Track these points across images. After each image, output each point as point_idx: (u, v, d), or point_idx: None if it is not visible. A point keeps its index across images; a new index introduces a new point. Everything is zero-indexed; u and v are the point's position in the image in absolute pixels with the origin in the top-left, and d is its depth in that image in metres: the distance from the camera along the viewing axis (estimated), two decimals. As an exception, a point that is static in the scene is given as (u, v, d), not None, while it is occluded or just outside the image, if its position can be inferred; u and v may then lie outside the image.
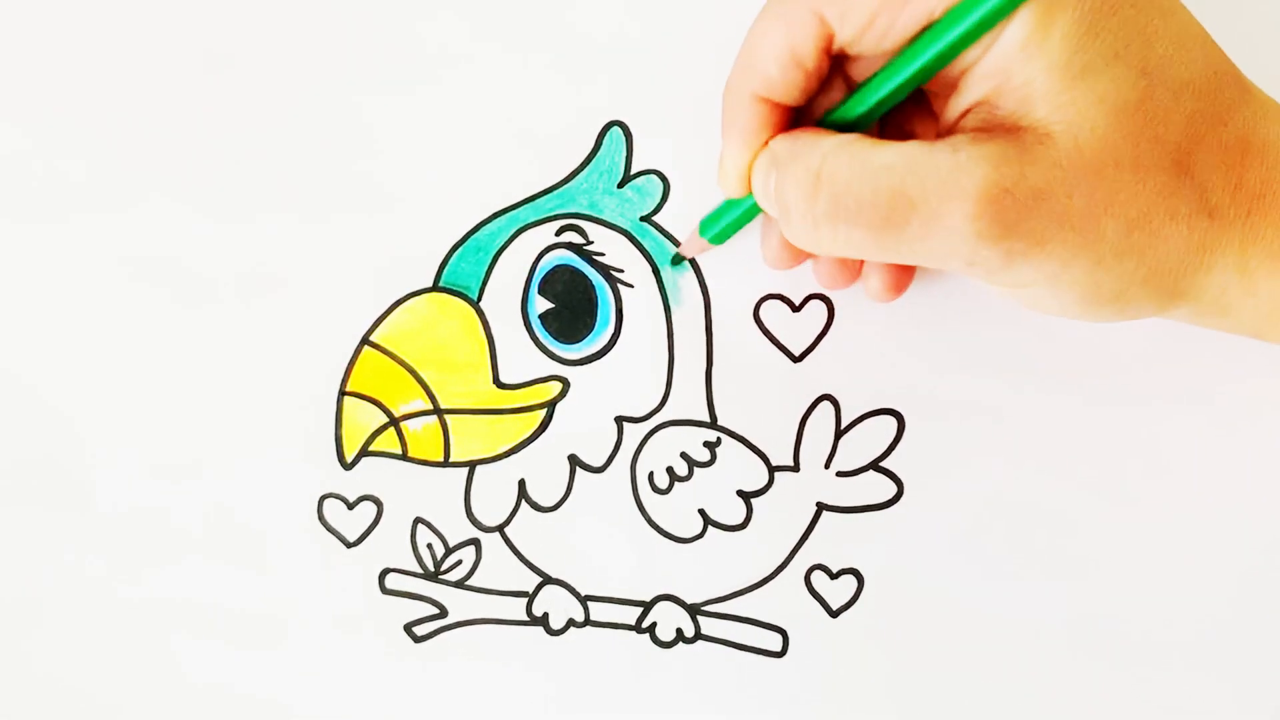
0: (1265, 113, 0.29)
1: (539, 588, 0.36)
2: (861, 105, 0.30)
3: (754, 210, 0.33)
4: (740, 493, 0.36)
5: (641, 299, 0.36)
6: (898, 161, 0.27)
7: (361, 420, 0.36)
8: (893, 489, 0.36)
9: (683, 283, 0.36)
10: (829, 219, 0.28)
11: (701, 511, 0.36)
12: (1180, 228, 0.28)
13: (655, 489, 0.36)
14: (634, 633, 0.36)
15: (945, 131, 0.29)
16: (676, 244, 0.36)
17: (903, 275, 0.34)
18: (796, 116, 0.31)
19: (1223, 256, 0.28)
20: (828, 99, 0.31)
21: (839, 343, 0.36)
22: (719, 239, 0.34)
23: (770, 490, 0.36)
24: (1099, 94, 0.27)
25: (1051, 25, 0.27)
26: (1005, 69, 0.27)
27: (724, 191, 0.32)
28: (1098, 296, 0.28)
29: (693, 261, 0.36)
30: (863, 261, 0.34)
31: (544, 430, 0.36)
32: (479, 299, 0.36)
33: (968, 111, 0.29)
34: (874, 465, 0.36)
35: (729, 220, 0.34)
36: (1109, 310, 0.29)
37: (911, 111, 0.32)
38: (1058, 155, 0.27)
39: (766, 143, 0.31)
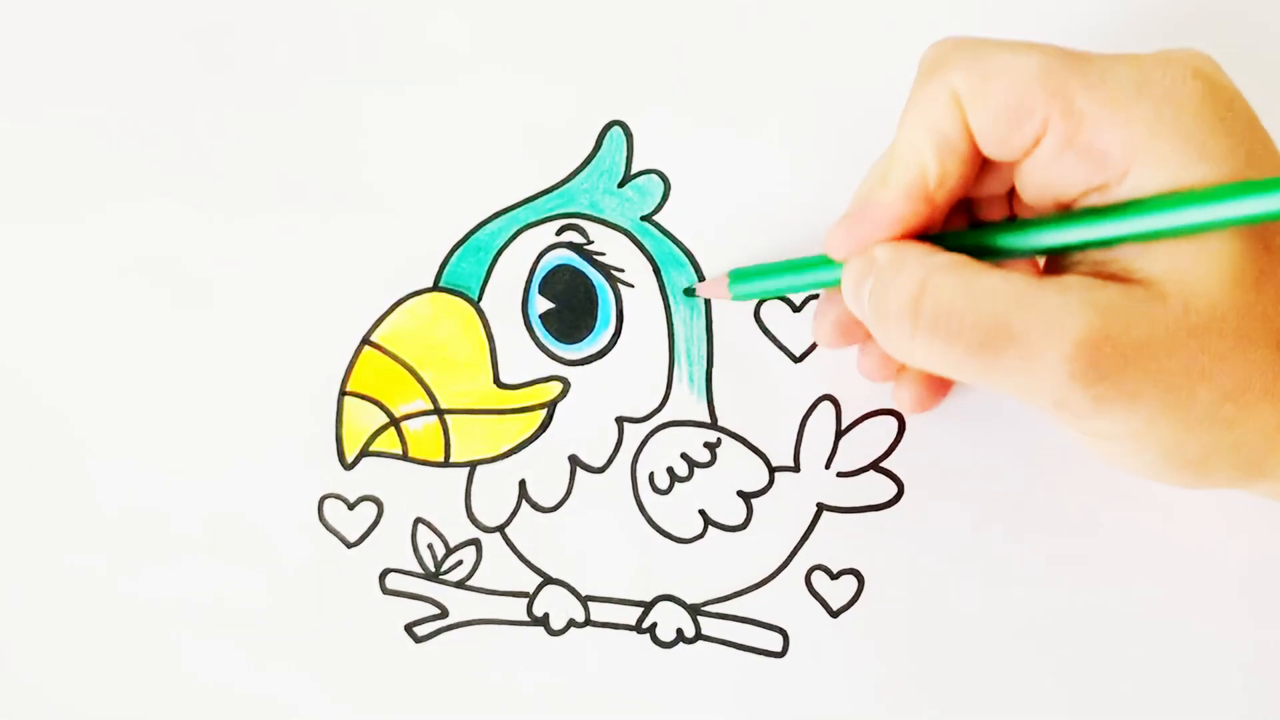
0: None
1: (539, 588, 0.36)
2: (971, 241, 0.29)
3: (793, 289, 0.33)
4: (740, 493, 0.36)
5: (642, 299, 0.36)
6: (1004, 289, 0.27)
7: (362, 420, 0.36)
8: (893, 489, 0.36)
9: (683, 283, 0.36)
10: (928, 334, 0.28)
11: (702, 512, 0.36)
12: (1275, 406, 0.27)
13: (656, 489, 0.36)
14: (634, 633, 0.36)
15: (1054, 261, 0.29)
16: (678, 245, 0.36)
17: (935, 394, 0.34)
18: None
19: None
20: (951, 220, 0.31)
21: (839, 343, 0.36)
22: (743, 297, 0.34)
23: (770, 490, 0.36)
24: (1222, 262, 0.27)
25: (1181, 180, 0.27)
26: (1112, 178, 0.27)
27: (832, 252, 0.31)
28: (1180, 460, 0.28)
29: (693, 261, 0.36)
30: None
31: (544, 430, 0.36)
32: (479, 299, 0.36)
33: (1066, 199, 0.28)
34: (874, 465, 0.36)
35: (765, 289, 0.33)
36: (1189, 475, 0.29)
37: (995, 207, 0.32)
38: (1165, 314, 0.26)
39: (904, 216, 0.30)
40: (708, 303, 0.36)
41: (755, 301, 0.36)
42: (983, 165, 0.29)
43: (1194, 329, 0.26)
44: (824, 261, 0.31)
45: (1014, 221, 0.30)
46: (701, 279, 0.36)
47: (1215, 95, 0.27)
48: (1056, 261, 0.29)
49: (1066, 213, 0.28)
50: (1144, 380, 0.27)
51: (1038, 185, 0.28)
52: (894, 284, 0.28)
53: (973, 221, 0.32)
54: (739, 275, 0.34)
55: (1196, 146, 0.26)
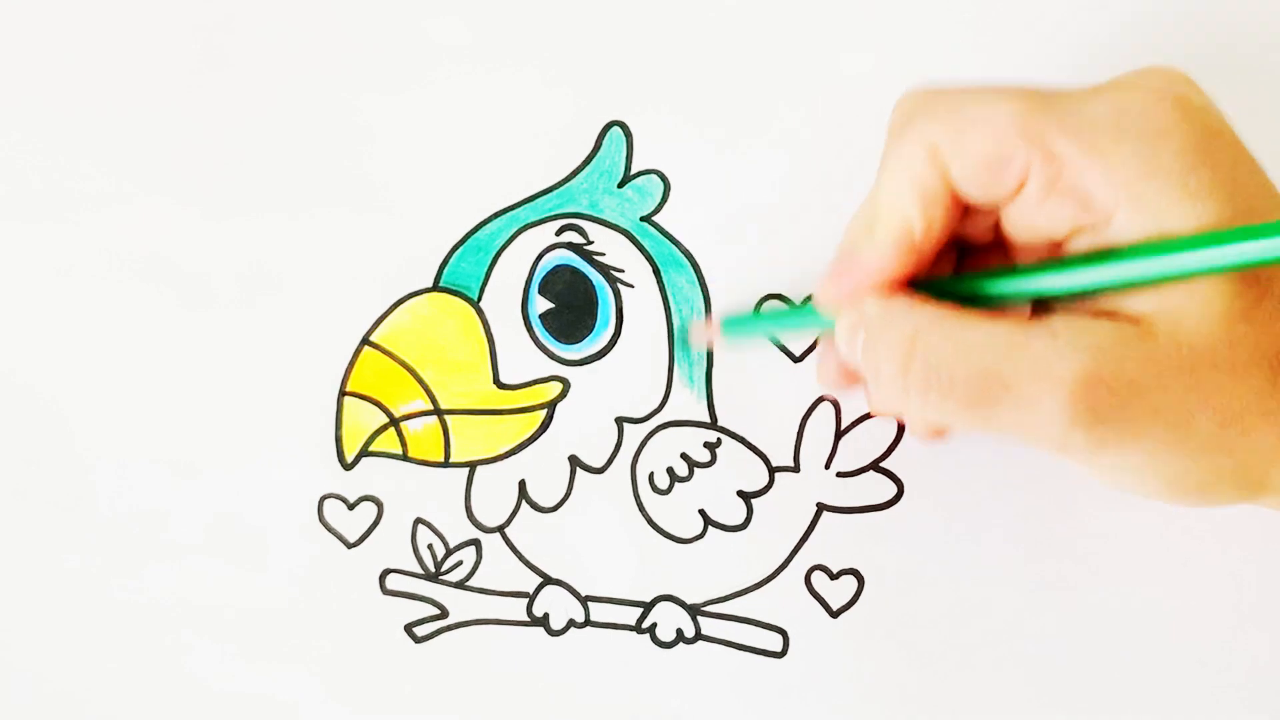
0: None
1: (539, 588, 0.36)
2: (960, 288, 0.29)
3: (785, 333, 0.33)
4: (740, 493, 0.36)
5: (642, 299, 0.36)
6: (993, 340, 0.27)
7: (362, 420, 0.36)
8: (893, 489, 0.36)
9: (683, 283, 0.36)
10: (920, 391, 0.28)
11: (702, 512, 0.36)
12: (1274, 426, 0.27)
13: (655, 489, 0.36)
14: (634, 633, 0.36)
15: (1042, 301, 0.29)
16: (679, 245, 0.36)
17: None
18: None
19: None
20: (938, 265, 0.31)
21: (839, 343, 0.36)
22: (735, 341, 0.34)
23: (770, 490, 0.36)
24: (1210, 296, 0.27)
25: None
26: (1092, 214, 0.27)
27: (821, 304, 0.31)
28: (1184, 487, 0.28)
29: (692, 261, 0.36)
30: None
31: (544, 431, 0.36)
32: (479, 299, 0.36)
33: (1051, 245, 0.28)
34: (874, 465, 0.36)
35: (756, 334, 0.33)
36: (1193, 499, 0.29)
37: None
38: (1156, 350, 0.27)
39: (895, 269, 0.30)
40: (708, 302, 0.36)
41: (755, 301, 0.36)
42: (968, 209, 0.29)
43: (1186, 364, 0.27)
44: (814, 310, 0.31)
45: (1001, 269, 0.30)
46: (702, 281, 0.36)
47: (1196, 125, 0.27)
48: (1045, 302, 0.29)
49: (1053, 260, 0.28)
50: (1141, 417, 0.27)
51: (1025, 228, 0.29)
52: (883, 341, 0.29)
53: (961, 263, 0.32)
54: (733, 326, 0.34)
55: (1180, 184, 0.26)
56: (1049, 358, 0.27)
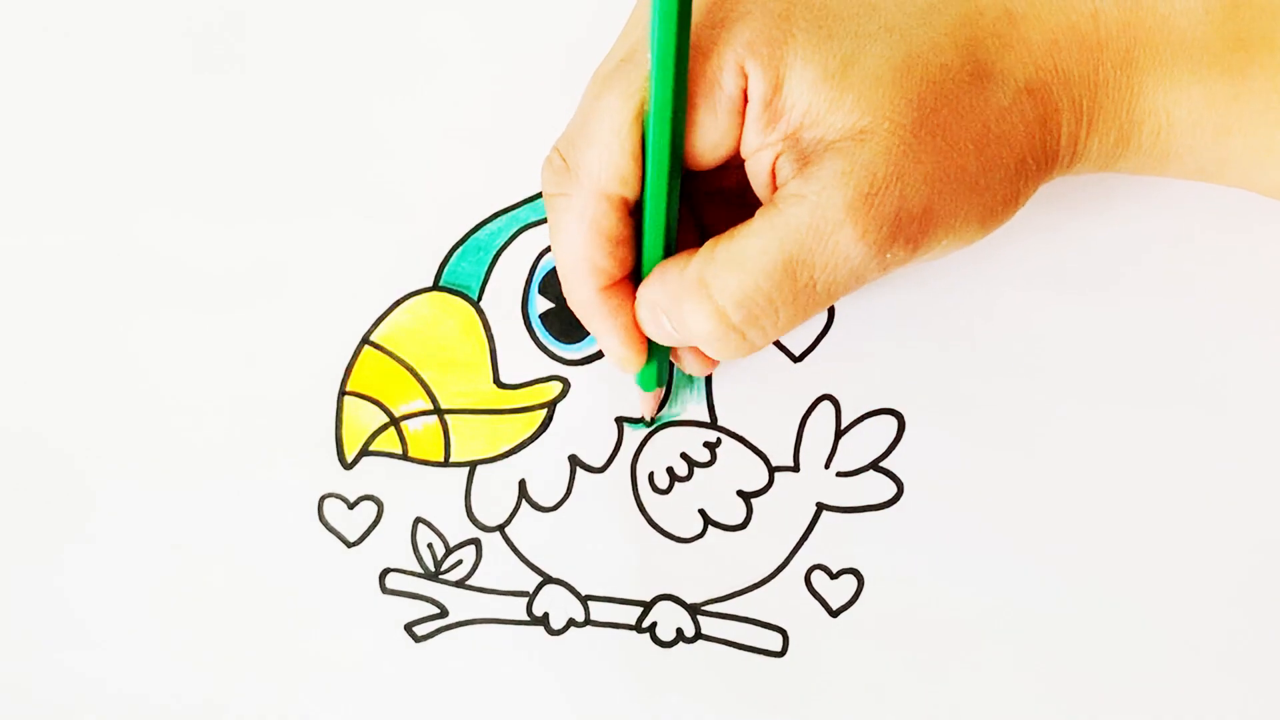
0: None
1: (539, 587, 0.36)
2: (655, 227, 0.30)
3: (660, 361, 0.34)
4: (740, 493, 0.36)
5: (642, 299, 0.36)
6: (765, 238, 0.28)
7: (362, 420, 0.36)
8: (893, 489, 0.36)
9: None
10: (749, 323, 0.29)
11: (702, 511, 0.36)
12: (1012, 115, 0.29)
13: (655, 489, 0.36)
14: (634, 633, 0.36)
15: (768, 183, 0.30)
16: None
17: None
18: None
19: (1062, 112, 0.30)
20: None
21: (839, 343, 0.36)
22: (657, 381, 0.34)
23: (770, 490, 0.36)
24: (871, 71, 0.28)
25: (781, 59, 0.28)
26: (779, 118, 0.28)
27: (630, 371, 0.33)
28: (992, 215, 0.30)
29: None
30: None
31: (544, 430, 0.36)
32: (479, 299, 0.36)
33: (776, 161, 0.29)
34: (874, 465, 0.36)
35: (658, 365, 0.34)
36: (1003, 216, 0.30)
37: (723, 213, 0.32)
38: (883, 140, 0.28)
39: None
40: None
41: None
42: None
43: (911, 130, 0.28)
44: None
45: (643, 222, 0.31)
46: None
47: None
48: (769, 193, 0.30)
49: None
50: (921, 195, 0.28)
51: (713, 145, 0.30)
52: (684, 312, 0.30)
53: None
54: (643, 378, 0.34)
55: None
56: (816, 212, 0.28)
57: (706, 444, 0.36)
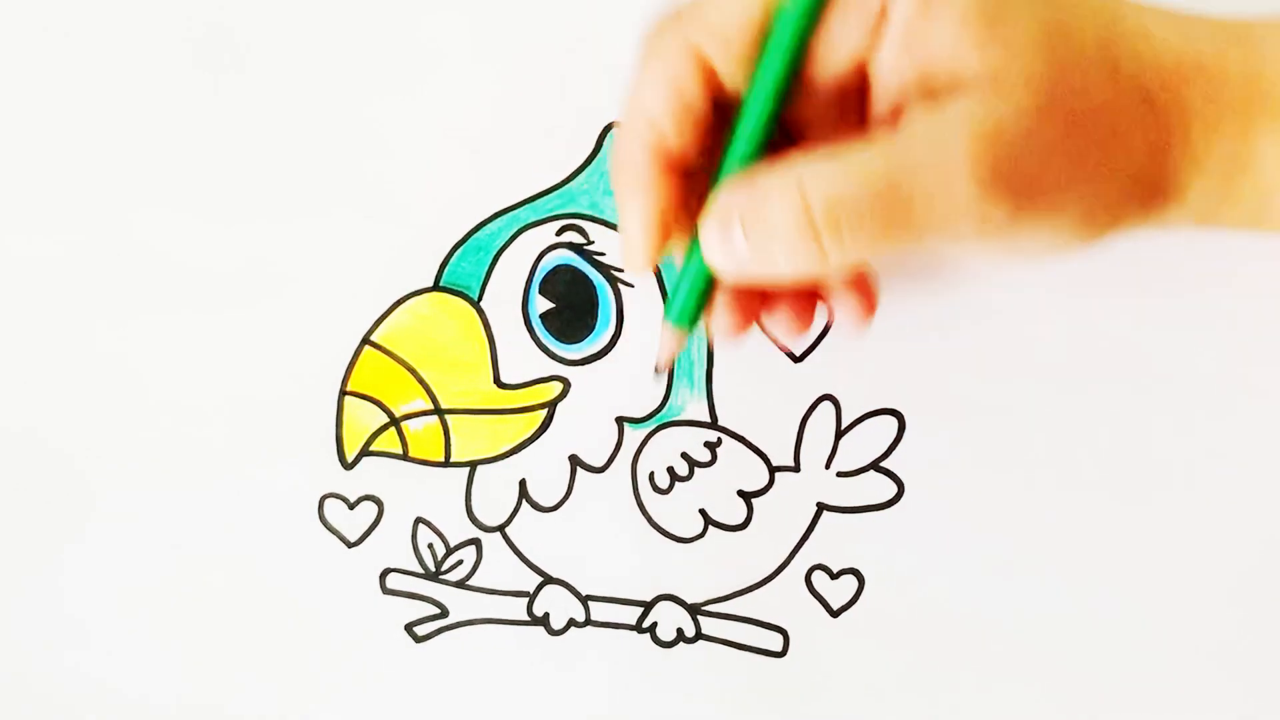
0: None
1: (540, 588, 0.36)
2: (753, 122, 0.29)
3: (708, 276, 0.30)
4: (741, 493, 0.36)
5: (642, 299, 0.36)
6: (878, 155, 0.27)
7: (362, 420, 0.36)
8: (893, 489, 0.36)
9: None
10: (830, 230, 0.27)
11: (702, 511, 0.36)
12: (1135, 123, 0.28)
13: (656, 489, 0.36)
14: (635, 633, 0.36)
15: (883, 116, 0.29)
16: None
17: (868, 301, 0.32)
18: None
19: (1175, 136, 0.29)
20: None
21: (839, 343, 0.36)
22: (690, 321, 0.31)
23: (771, 490, 0.36)
24: (1021, 26, 0.27)
25: None
26: (918, 42, 0.28)
27: (631, 270, 0.31)
28: (1096, 215, 0.29)
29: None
30: (813, 301, 0.32)
31: (544, 430, 0.36)
32: (479, 299, 0.36)
33: (900, 89, 0.28)
34: (874, 465, 0.36)
35: (690, 294, 0.30)
36: (1104, 228, 0.29)
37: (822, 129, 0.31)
38: (1012, 94, 0.27)
39: (675, 210, 0.30)
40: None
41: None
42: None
43: (1040, 95, 0.27)
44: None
45: (738, 120, 0.29)
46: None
47: None
48: (887, 120, 0.29)
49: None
50: (1038, 162, 0.27)
51: (832, 55, 0.29)
52: (767, 213, 0.28)
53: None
54: (671, 309, 0.31)
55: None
56: (936, 146, 0.27)
57: (707, 444, 0.36)
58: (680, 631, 0.36)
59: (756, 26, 0.28)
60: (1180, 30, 0.29)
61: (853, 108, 0.30)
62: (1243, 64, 0.29)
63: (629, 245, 0.30)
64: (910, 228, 0.27)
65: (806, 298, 0.32)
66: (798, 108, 0.30)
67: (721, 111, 0.29)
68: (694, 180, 0.30)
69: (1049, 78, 0.27)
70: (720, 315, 0.31)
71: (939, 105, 0.27)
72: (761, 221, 0.28)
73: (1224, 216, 0.30)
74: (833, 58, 0.29)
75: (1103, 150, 0.28)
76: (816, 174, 0.27)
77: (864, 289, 0.32)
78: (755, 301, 0.31)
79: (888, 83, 0.28)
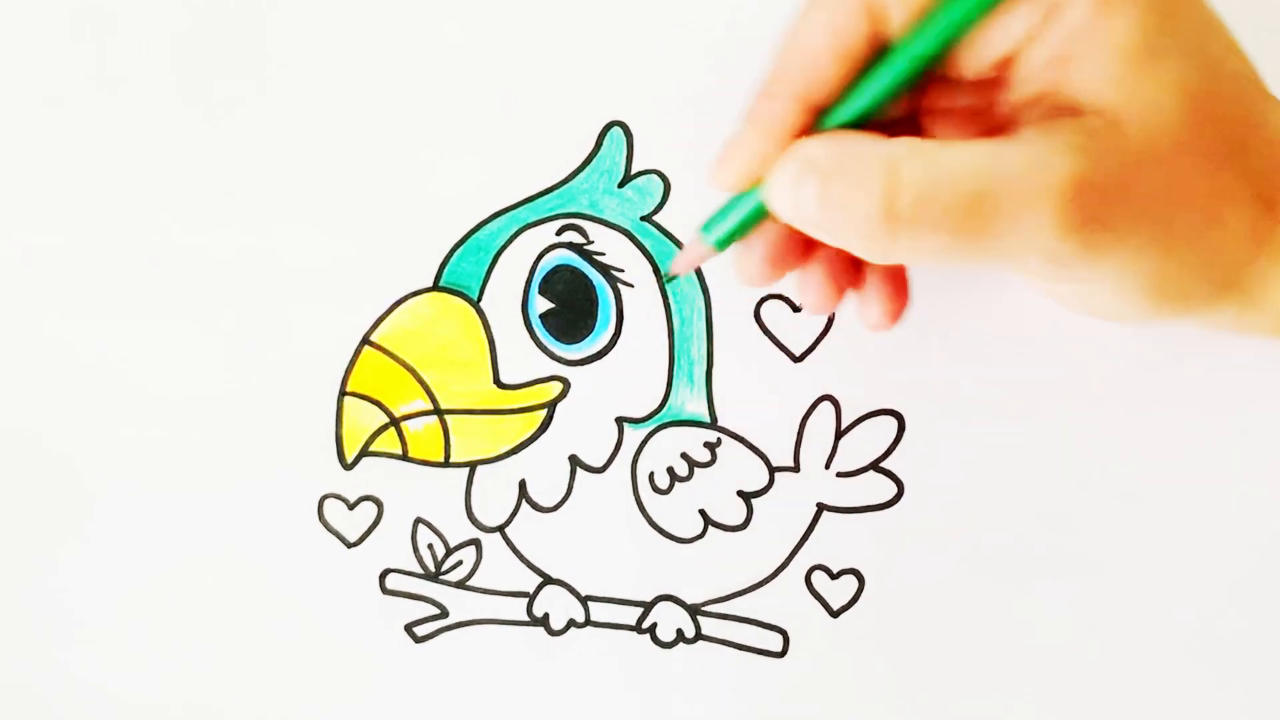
0: None
1: (539, 588, 0.36)
2: (886, 80, 0.28)
3: (763, 211, 0.30)
4: (741, 493, 0.36)
5: (642, 299, 0.36)
6: (975, 162, 0.26)
7: (362, 420, 0.36)
8: (893, 489, 0.36)
9: (683, 283, 0.36)
10: (910, 226, 0.27)
11: (702, 512, 0.36)
12: (1242, 214, 0.28)
13: (656, 489, 0.36)
14: (634, 633, 0.36)
15: (1002, 124, 0.28)
16: (679, 244, 0.36)
17: (899, 301, 0.32)
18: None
19: (1274, 246, 0.28)
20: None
21: (839, 343, 0.36)
22: (724, 244, 0.31)
23: (771, 490, 0.36)
24: (1170, 79, 0.27)
25: (1116, 6, 0.26)
26: (1069, 54, 0.27)
27: (719, 184, 0.29)
28: (1162, 290, 0.28)
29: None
30: (854, 278, 0.32)
31: (544, 430, 0.36)
32: (479, 299, 0.36)
33: (1028, 101, 0.28)
34: (874, 465, 0.36)
35: (739, 220, 0.30)
36: (1169, 304, 0.29)
37: (929, 111, 0.31)
38: (1129, 143, 0.26)
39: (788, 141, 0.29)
40: (708, 302, 0.36)
41: (755, 301, 0.36)
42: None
43: (1159, 152, 0.27)
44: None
45: (867, 74, 0.28)
46: (702, 280, 0.36)
47: None
48: (1005, 120, 0.28)
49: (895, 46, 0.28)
50: (1126, 214, 0.27)
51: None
52: (851, 182, 0.27)
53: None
54: (711, 225, 0.31)
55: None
56: (1032, 168, 0.26)
57: (707, 444, 0.36)
58: (680, 632, 0.36)
59: None
60: None
61: (976, 112, 0.29)
62: None
63: (729, 162, 0.29)
64: (985, 240, 0.27)
65: (845, 270, 0.31)
66: (926, 94, 0.30)
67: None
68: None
69: (1173, 140, 0.27)
70: (754, 253, 0.31)
71: (1055, 126, 0.27)
72: (842, 189, 0.27)
73: (1266, 321, 0.30)
74: (987, 47, 0.28)
75: (1195, 229, 0.27)
76: (914, 158, 0.27)
77: (899, 288, 0.32)
78: (795, 255, 0.31)
79: (1023, 88, 0.28)
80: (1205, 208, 0.27)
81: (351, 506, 0.36)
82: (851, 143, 0.27)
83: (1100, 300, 0.29)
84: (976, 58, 0.28)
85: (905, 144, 0.27)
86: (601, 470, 0.36)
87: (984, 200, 0.26)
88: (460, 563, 0.36)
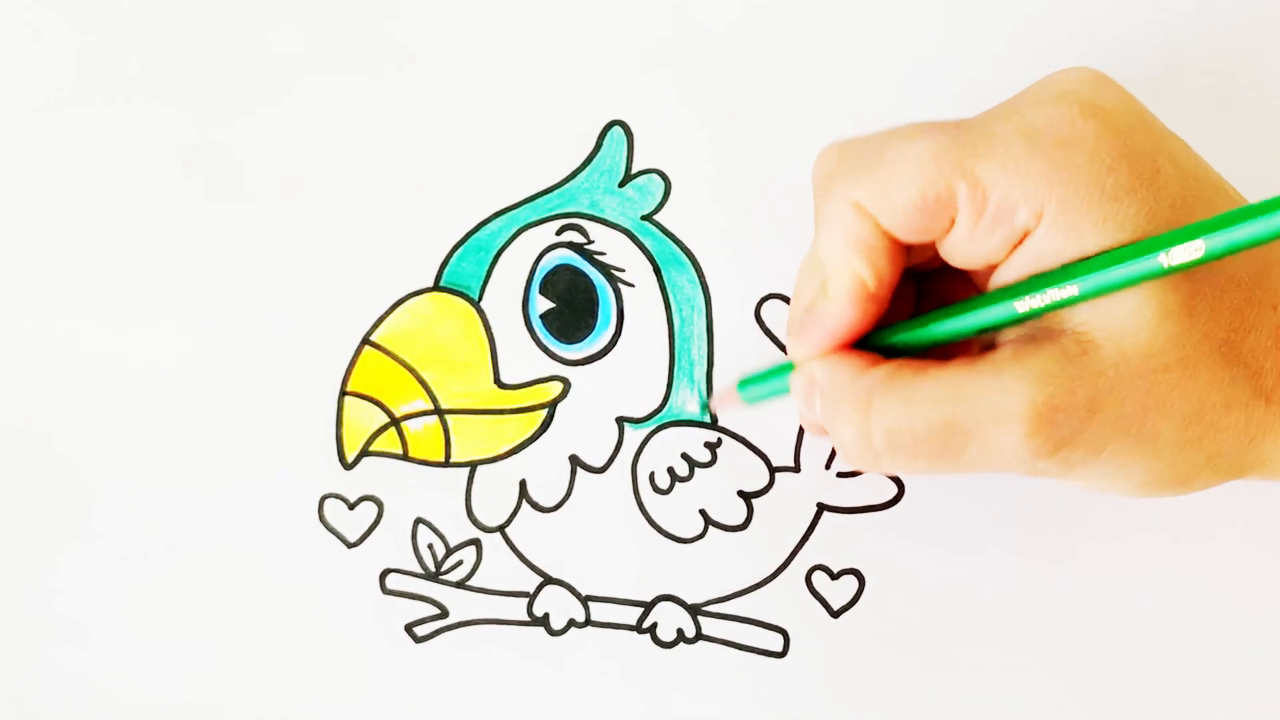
0: None
1: (540, 588, 0.36)
2: (912, 337, 0.29)
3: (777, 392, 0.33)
4: (741, 493, 0.36)
5: (642, 299, 0.36)
6: (944, 391, 0.27)
7: (362, 420, 0.36)
8: (893, 489, 0.36)
9: (683, 283, 0.36)
10: (887, 453, 0.28)
11: (702, 512, 0.36)
12: (1237, 416, 0.27)
13: (656, 489, 0.36)
14: (635, 633, 0.36)
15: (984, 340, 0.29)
16: (679, 244, 0.36)
17: None
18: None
19: (1274, 432, 0.28)
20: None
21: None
22: (752, 403, 0.34)
23: (771, 490, 0.36)
24: (1141, 298, 0.26)
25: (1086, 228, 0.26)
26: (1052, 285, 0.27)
27: (793, 354, 0.31)
28: (1161, 485, 0.28)
29: (693, 261, 0.36)
30: None
31: (545, 430, 0.36)
32: (480, 299, 0.36)
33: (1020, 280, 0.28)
34: (874, 465, 0.36)
35: (769, 391, 0.33)
36: (1173, 491, 0.29)
37: (949, 283, 0.31)
38: (1103, 364, 0.26)
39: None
40: (708, 302, 0.36)
41: (755, 301, 0.36)
42: (911, 247, 0.29)
43: (1135, 370, 0.26)
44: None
45: (943, 310, 0.29)
46: (702, 280, 0.36)
47: (1107, 127, 0.27)
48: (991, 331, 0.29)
49: (989, 295, 0.28)
50: (1103, 433, 0.27)
51: (963, 255, 0.28)
52: (839, 407, 0.29)
53: (920, 289, 0.32)
54: (748, 384, 0.34)
55: (1096, 188, 0.26)
56: (1000, 395, 0.27)
57: (707, 444, 0.36)
58: (680, 632, 0.36)
59: (920, 190, 0.27)
60: None
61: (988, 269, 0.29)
62: None
63: (804, 340, 0.30)
64: (959, 465, 0.28)
65: None
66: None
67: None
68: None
69: (1153, 357, 0.27)
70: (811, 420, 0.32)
71: (1027, 350, 0.27)
72: (832, 414, 0.29)
73: None
74: (961, 254, 0.28)
75: (1184, 438, 0.27)
76: (886, 399, 0.28)
77: None
78: None
79: (1014, 274, 0.28)
80: (1192, 416, 0.27)
81: (352, 506, 0.36)
82: (842, 370, 0.29)
83: (1103, 490, 0.29)
84: (965, 260, 0.29)
85: (883, 374, 0.28)
86: (602, 470, 0.36)
87: (954, 430, 0.27)
88: (460, 563, 0.36)
